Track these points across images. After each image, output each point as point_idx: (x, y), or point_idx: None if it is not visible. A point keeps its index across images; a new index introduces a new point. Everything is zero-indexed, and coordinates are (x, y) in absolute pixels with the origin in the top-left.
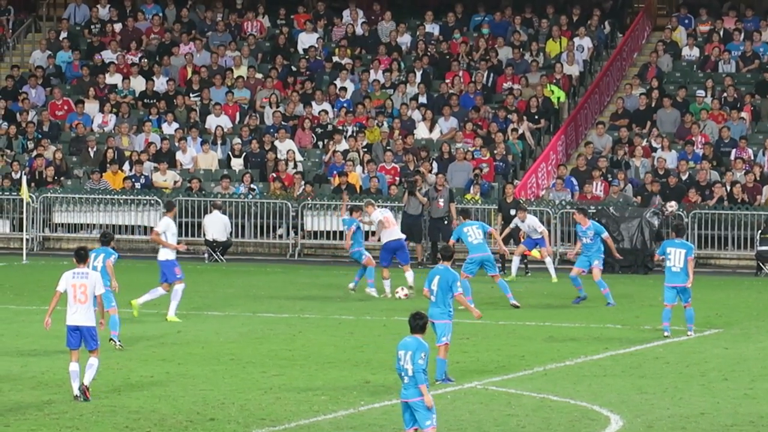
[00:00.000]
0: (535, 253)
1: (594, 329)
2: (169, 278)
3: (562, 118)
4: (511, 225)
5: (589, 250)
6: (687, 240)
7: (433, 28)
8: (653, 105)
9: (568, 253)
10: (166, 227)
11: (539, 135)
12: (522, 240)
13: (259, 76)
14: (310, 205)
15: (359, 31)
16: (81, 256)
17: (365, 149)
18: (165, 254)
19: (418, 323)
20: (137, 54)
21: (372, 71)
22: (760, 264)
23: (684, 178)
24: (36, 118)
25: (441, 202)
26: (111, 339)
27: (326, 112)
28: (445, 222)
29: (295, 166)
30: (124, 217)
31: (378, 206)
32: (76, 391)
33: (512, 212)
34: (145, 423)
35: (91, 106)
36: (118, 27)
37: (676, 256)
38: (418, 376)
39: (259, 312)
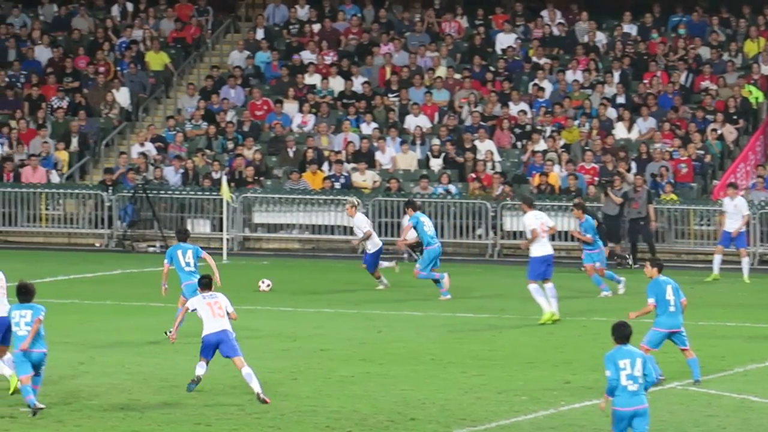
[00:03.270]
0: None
1: None
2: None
3: (760, 119)
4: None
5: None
6: None
7: (630, 29)
8: None
9: None
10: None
11: (737, 135)
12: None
13: (457, 76)
14: (509, 206)
15: (556, 31)
16: (205, 284)
17: (563, 149)
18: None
19: (625, 333)
20: (334, 54)
21: (570, 71)
22: None
23: None
24: (235, 118)
25: (638, 202)
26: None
27: (524, 113)
28: (641, 223)
29: (494, 166)
30: (323, 218)
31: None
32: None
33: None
34: (345, 423)
35: (290, 106)
36: (316, 27)
37: None
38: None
39: (459, 312)
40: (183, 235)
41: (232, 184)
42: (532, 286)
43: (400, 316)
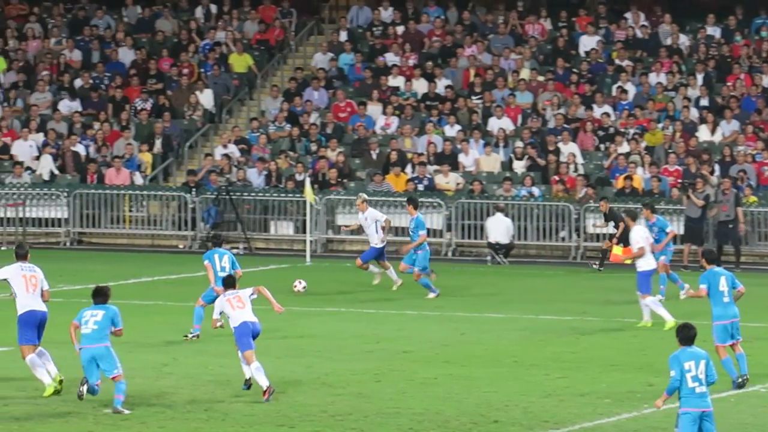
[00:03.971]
0: None
1: None
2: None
3: None
4: None
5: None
6: None
7: (714, 31)
8: None
9: None
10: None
11: None
12: None
13: (540, 78)
14: (592, 208)
15: (639, 33)
16: (230, 283)
17: (646, 151)
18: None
19: (690, 334)
20: (417, 56)
21: (653, 73)
22: None
23: None
24: (319, 120)
25: (727, 205)
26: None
27: (608, 115)
28: (730, 226)
29: (576, 168)
30: (406, 219)
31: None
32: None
33: None
34: (428, 425)
35: (373, 108)
36: (400, 29)
37: None
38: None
39: (542, 314)
40: (218, 240)
41: (316, 186)
42: (650, 300)
43: (483, 318)
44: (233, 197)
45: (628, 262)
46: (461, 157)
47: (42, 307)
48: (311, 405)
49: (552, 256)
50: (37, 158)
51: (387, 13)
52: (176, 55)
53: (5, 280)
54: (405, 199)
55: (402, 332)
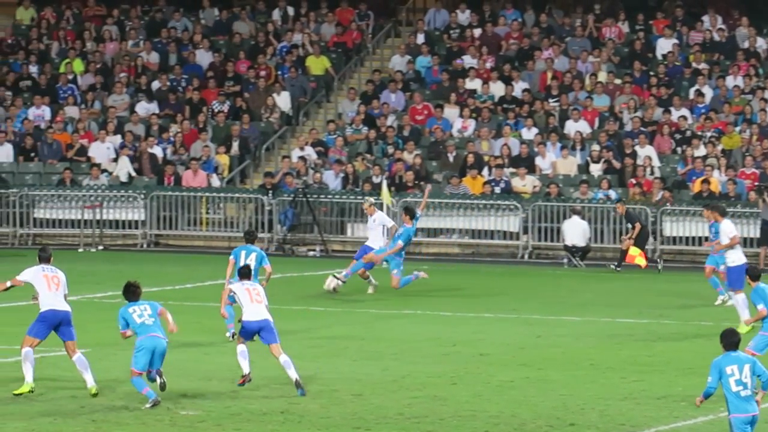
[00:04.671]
0: None
1: None
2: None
3: None
4: None
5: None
6: None
7: None
8: None
9: None
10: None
11: None
12: None
13: (617, 81)
14: (668, 211)
15: (716, 36)
16: (245, 273)
17: (722, 154)
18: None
19: (734, 340)
20: (495, 59)
21: (730, 77)
22: None
23: None
24: (396, 122)
25: None
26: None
27: (685, 118)
28: None
29: (653, 171)
30: (483, 222)
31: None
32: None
33: None
34: (504, 428)
35: (450, 111)
36: (477, 32)
37: None
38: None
39: (618, 317)
40: (250, 237)
41: (392, 189)
42: (740, 296)
43: (559, 321)
44: (310, 199)
45: (642, 264)
46: (538, 160)
47: (64, 306)
48: (387, 407)
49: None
50: (115, 160)
51: (464, 16)
52: (253, 57)
53: (27, 282)
54: (481, 202)
55: (478, 335)
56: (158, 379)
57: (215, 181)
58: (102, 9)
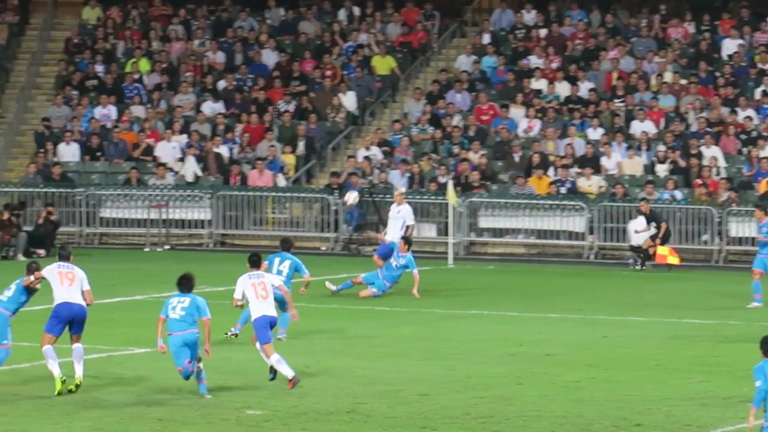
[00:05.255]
0: None
1: None
2: None
3: None
4: None
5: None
6: None
7: None
8: None
9: None
10: None
11: None
12: None
13: (683, 81)
14: (734, 212)
15: None
16: (254, 262)
17: None
18: None
19: None
20: (560, 59)
21: None
22: None
23: None
24: (461, 122)
25: None
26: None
27: (750, 119)
28: None
29: (719, 172)
30: (549, 222)
31: None
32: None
33: None
34: (570, 428)
35: (516, 111)
36: (543, 32)
37: None
38: None
39: (684, 318)
40: (286, 245)
41: (458, 189)
42: None
43: (625, 322)
44: (376, 199)
45: (675, 261)
46: (604, 160)
47: (78, 300)
48: (453, 407)
49: (694, 260)
50: (181, 160)
51: (530, 16)
52: (319, 57)
53: (44, 277)
54: (547, 202)
55: (544, 335)
56: (195, 366)
57: (281, 181)
58: (168, 8)
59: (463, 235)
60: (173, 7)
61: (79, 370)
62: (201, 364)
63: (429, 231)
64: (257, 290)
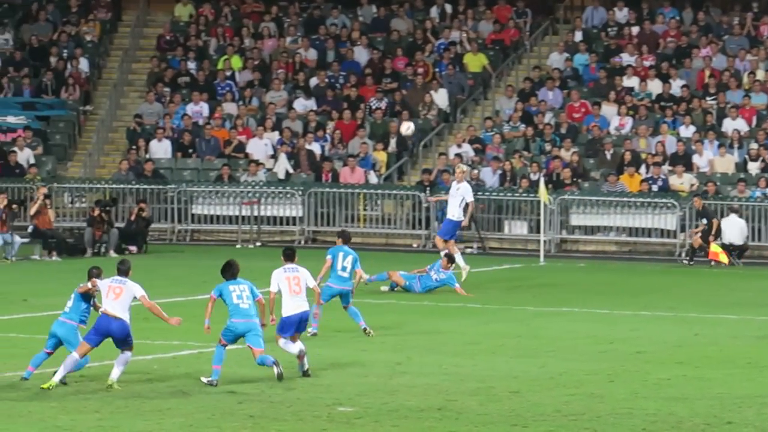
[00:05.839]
0: None
1: None
2: None
3: None
4: None
5: None
6: None
7: None
8: None
9: None
10: None
11: None
12: None
13: None
14: None
15: None
16: (289, 255)
17: None
18: None
19: None
20: (653, 57)
21: None
22: None
23: None
24: (553, 120)
25: None
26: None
27: None
28: None
29: None
30: (640, 220)
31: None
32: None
33: None
34: (661, 426)
35: (608, 109)
36: (635, 30)
37: None
38: None
39: None
40: (346, 237)
41: (550, 186)
42: None
43: (716, 320)
44: None
45: (725, 261)
46: (695, 158)
47: (120, 315)
48: (545, 405)
49: None
50: (272, 157)
51: (622, 14)
52: (411, 54)
53: (98, 290)
54: (638, 200)
55: (635, 333)
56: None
57: (372, 178)
58: (260, 6)
59: (555, 232)
60: (265, 4)
61: (114, 373)
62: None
63: (520, 228)
64: (291, 285)
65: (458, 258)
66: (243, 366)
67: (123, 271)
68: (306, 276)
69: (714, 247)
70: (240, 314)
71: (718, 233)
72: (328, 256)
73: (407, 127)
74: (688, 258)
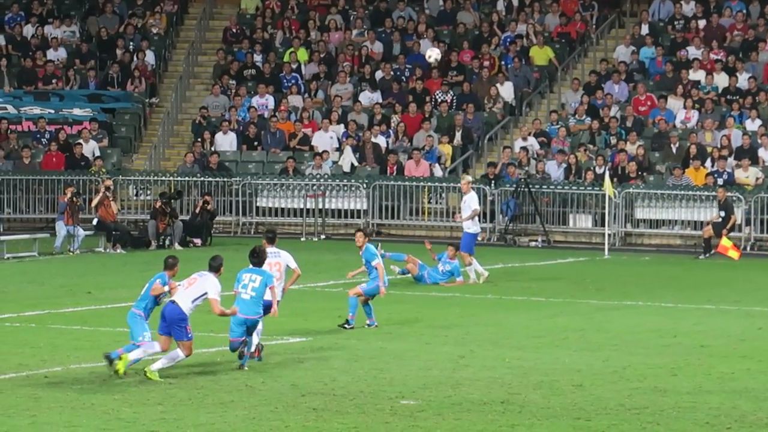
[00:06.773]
0: None
1: None
2: None
3: None
4: None
5: None
6: None
7: None
8: None
9: None
10: None
11: None
12: None
13: None
14: None
15: None
16: (270, 238)
17: None
18: None
19: None
20: (720, 52)
21: None
22: None
23: None
24: (619, 113)
25: None
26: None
27: None
28: None
29: None
30: (706, 214)
31: None
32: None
33: None
34: (725, 420)
35: (674, 102)
36: (702, 23)
37: None
38: None
39: None
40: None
41: (615, 179)
42: None
43: None
44: (532, 190)
45: (735, 256)
46: (761, 152)
47: (179, 302)
48: (608, 398)
49: None
50: (337, 149)
51: (689, 7)
52: (477, 47)
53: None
54: (704, 194)
55: (699, 326)
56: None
57: (437, 171)
58: None
59: (619, 225)
60: None
61: (156, 364)
62: (245, 348)
63: (585, 222)
64: (272, 270)
65: (476, 265)
66: (306, 359)
67: (214, 267)
68: (287, 259)
69: (725, 241)
70: (242, 309)
71: (733, 228)
72: (386, 254)
73: (430, 55)
74: (702, 251)
